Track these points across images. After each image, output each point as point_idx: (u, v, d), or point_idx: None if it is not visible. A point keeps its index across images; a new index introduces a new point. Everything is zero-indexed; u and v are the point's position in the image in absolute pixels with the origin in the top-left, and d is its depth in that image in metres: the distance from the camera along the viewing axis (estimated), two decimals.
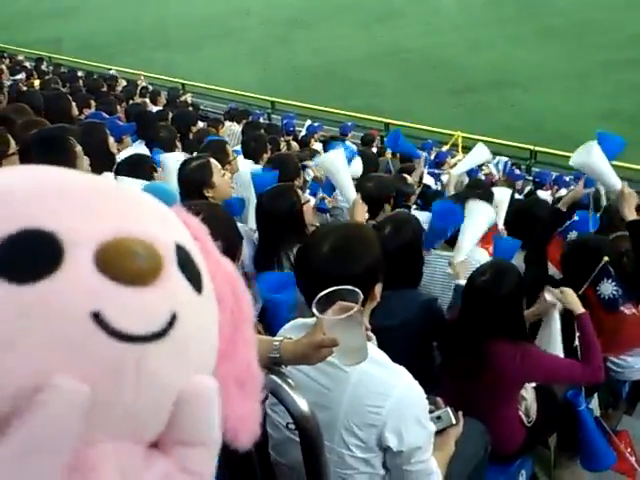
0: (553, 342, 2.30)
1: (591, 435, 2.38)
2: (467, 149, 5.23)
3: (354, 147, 6.75)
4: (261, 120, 10.30)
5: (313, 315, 1.21)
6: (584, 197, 3.77)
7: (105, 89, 9.63)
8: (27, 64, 13.67)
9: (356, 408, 1.45)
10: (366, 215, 3.00)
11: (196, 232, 0.52)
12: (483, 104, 14.19)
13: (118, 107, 6.69)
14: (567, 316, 2.34)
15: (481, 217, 2.64)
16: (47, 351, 0.37)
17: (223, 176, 2.89)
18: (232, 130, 7.75)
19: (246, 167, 3.90)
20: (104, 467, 0.39)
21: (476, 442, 2.03)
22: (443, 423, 1.83)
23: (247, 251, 2.54)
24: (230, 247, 1.92)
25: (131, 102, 8.10)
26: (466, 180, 5.71)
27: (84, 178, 0.46)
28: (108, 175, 3.01)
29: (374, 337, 1.38)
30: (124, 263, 0.40)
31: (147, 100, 8.96)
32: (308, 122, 9.99)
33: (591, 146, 2.72)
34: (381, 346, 1.58)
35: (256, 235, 2.77)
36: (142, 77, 12.43)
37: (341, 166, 2.95)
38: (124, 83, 11.34)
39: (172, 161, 3.09)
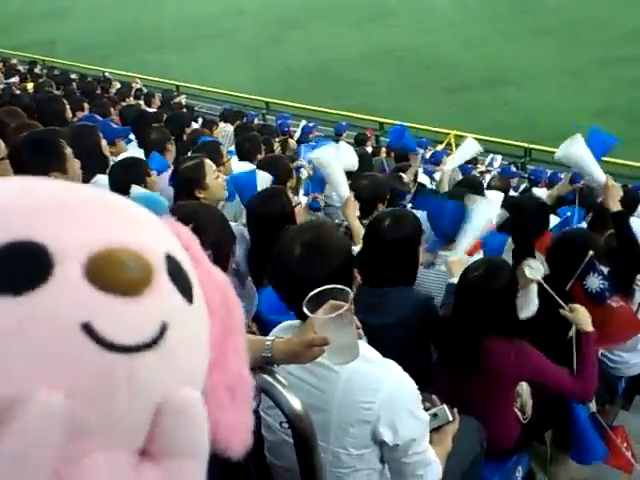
0: (527, 305, 2.32)
1: (582, 427, 2.39)
2: None
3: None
4: (256, 121, 10.30)
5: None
6: (570, 193, 3.79)
7: (99, 91, 9.62)
8: (20, 67, 13.63)
9: (348, 406, 1.45)
10: (358, 213, 3.00)
11: (187, 242, 0.52)
12: (477, 102, 14.22)
13: (112, 109, 6.68)
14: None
15: (483, 215, 2.62)
16: (35, 362, 0.37)
17: (217, 178, 2.87)
18: (226, 131, 7.76)
19: (242, 169, 3.88)
20: (96, 477, 0.39)
21: (471, 439, 2.03)
22: (440, 420, 1.85)
23: (241, 250, 2.54)
24: (223, 246, 1.92)
25: (124, 104, 8.08)
26: (459, 177, 5.71)
27: (74, 189, 0.46)
28: (101, 178, 3.01)
29: (364, 336, 1.38)
30: (114, 274, 0.40)
31: (141, 102, 8.95)
32: (303, 122, 9.99)
33: (575, 139, 2.74)
34: (377, 343, 1.58)
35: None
36: (138, 81, 12.42)
37: (333, 161, 2.93)
38: (118, 85, 11.33)
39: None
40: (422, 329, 2.35)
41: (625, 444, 2.72)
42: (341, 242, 1.59)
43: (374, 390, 1.45)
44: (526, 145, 11.16)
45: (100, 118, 5.20)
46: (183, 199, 2.51)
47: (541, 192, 7.57)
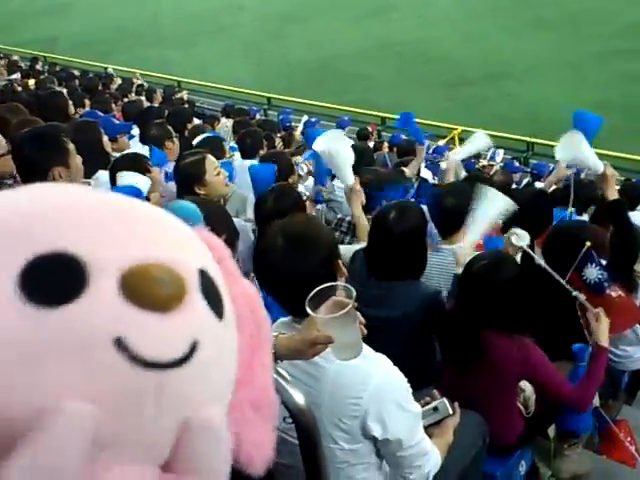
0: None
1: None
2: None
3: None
4: (257, 116, 10.30)
5: None
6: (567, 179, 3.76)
7: (100, 88, 9.61)
8: (22, 64, 13.63)
9: (337, 401, 1.46)
10: (363, 200, 2.97)
11: (220, 254, 0.52)
12: (478, 96, 14.18)
13: (113, 105, 6.68)
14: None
15: (496, 206, 2.58)
16: (67, 374, 0.37)
17: (218, 174, 2.86)
18: (227, 127, 7.75)
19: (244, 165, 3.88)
20: None
21: (474, 433, 2.04)
22: (440, 414, 1.86)
23: (244, 247, 2.53)
24: (226, 242, 1.92)
25: (126, 100, 8.08)
26: (463, 172, 5.68)
27: (109, 199, 0.46)
28: (103, 174, 3.01)
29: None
30: (148, 289, 0.40)
31: (143, 98, 8.94)
32: (305, 117, 9.97)
33: (570, 136, 2.73)
34: (382, 337, 1.59)
35: (251, 226, 2.77)
36: (138, 75, 12.41)
37: (341, 147, 2.90)
38: (119, 81, 11.32)
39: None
40: (428, 323, 2.35)
41: (629, 438, 2.72)
42: (325, 235, 1.58)
43: (362, 385, 1.46)
44: (528, 139, 11.14)
45: (101, 114, 5.19)
46: (184, 194, 2.51)
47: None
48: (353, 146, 3.05)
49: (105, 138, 3.28)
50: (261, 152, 4.30)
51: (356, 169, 3.22)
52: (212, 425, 0.44)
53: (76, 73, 12.51)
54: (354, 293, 1.18)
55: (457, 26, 18.19)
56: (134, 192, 2.35)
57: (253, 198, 2.92)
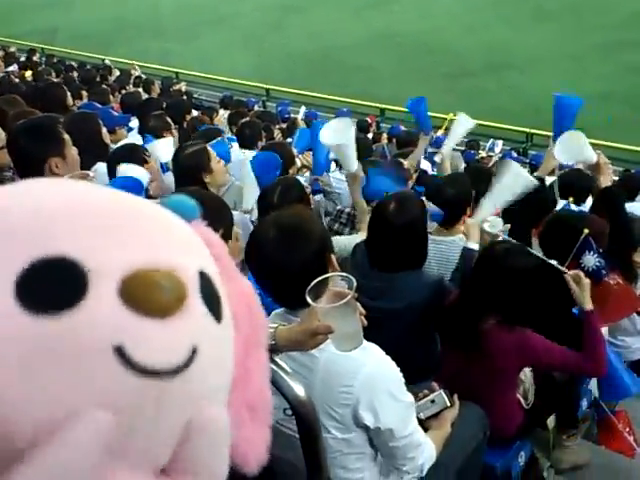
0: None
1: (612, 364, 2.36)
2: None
3: None
4: (256, 107, 10.27)
5: None
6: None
7: (98, 79, 9.57)
8: (20, 56, 13.58)
9: (329, 390, 1.47)
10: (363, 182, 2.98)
11: (218, 251, 0.51)
12: (479, 88, 14.12)
13: (111, 97, 6.65)
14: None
15: (517, 182, 2.56)
16: (69, 384, 0.37)
17: (219, 162, 2.91)
18: (226, 118, 7.72)
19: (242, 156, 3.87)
20: None
21: (474, 425, 2.04)
22: (438, 406, 1.88)
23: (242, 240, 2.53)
24: (224, 234, 1.92)
25: (124, 92, 8.05)
26: (462, 165, 5.67)
27: (109, 199, 0.45)
28: (101, 166, 3.00)
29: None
30: (149, 295, 0.40)
31: (140, 90, 8.91)
32: (303, 109, 9.93)
33: (571, 137, 2.74)
34: (385, 329, 1.59)
35: (251, 217, 2.77)
36: (136, 67, 12.35)
37: (350, 135, 2.88)
38: (117, 73, 11.28)
39: (160, 148, 3.13)
40: (432, 312, 2.33)
41: (627, 429, 2.73)
42: (317, 229, 1.58)
43: (353, 373, 1.46)
44: (528, 130, 11.11)
45: (99, 106, 5.17)
46: (189, 185, 2.52)
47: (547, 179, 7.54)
48: None
49: (104, 130, 3.27)
50: (260, 143, 4.29)
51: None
52: (213, 425, 0.44)
53: (74, 65, 12.47)
54: (354, 283, 1.18)
55: (458, 17, 18.11)
56: (134, 184, 2.34)
57: (256, 189, 2.91)
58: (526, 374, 2.32)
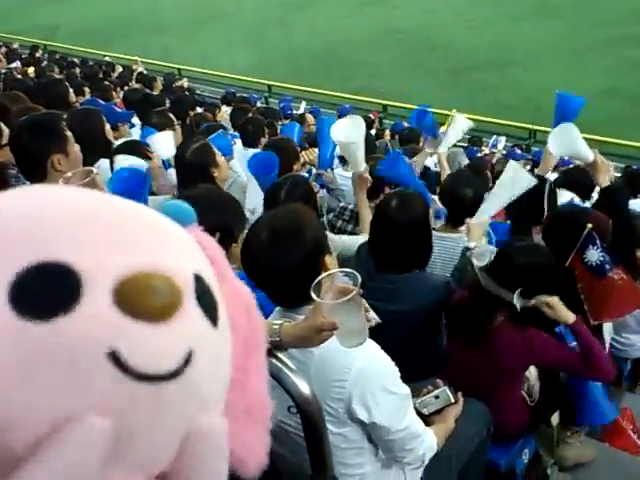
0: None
1: (590, 388, 2.35)
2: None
3: None
4: (258, 104, 10.25)
5: None
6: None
7: (101, 76, 9.57)
8: (22, 52, 13.57)
9: (322, 384, 1.46)
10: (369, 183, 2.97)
11: (213, 254, 0.51)
12: (482, 84, 14.09)
13: (114, 93, 6.65)
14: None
15: (517, 183, 2.52)
16: (64, 390, 0.36)
17: (222, 156, 2.91)
18: (229, 115, 7.71)
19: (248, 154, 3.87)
20: None
21: (478, 422, 2.04)
22: (441, 402, 1.89)
23: None
24: (233, 230, 1.93)
25: (127, 88, 8.04)
26: (465, 161, 5.65)
27: (103, 203, 0.45)
28: (105, 162, 3.00)
29: (376, 318, 1.37)
30: (144, 299, 0.39)
31: (143, 86, 8.90)
32: (303, 104, 9.93)
33: (563, 130, 2.72)
34: (391, 332, 1.58)
35: (254, 217, 2.76)
36: (139, 62, 12.34)
37: (361, 135, 2.87)
38: (120, 69, 11.27)
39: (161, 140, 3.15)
40: (438, 313, 2.34)
41: (632, 426, 2.73)
42: (312, 230, 1.56)
43: (346, 368, 1.46)
44: (531, 127, 11.08)
45: (102, 102, 5.17)
46: (197, 181, 2.53)
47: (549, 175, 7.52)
48: None
49: (107, 126, 3.26)
50: (262, 140, 4.28)
51: None
52: (212, 431, 0.43)
53: (76, 61, 12.46)
54: (359, 279, 1.18)
55: (461, 13, 18.08)
56: (135, 173, 2.33)
57: (257, 189, 2.91)
58: (531, 371, 2.32)
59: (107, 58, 14.21)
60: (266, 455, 0.52)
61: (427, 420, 1.86)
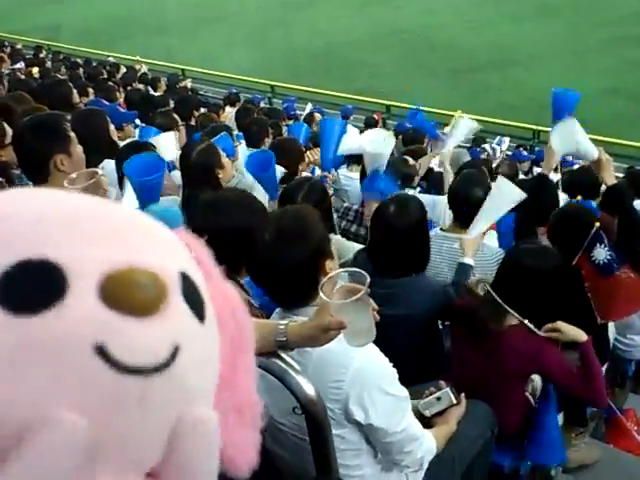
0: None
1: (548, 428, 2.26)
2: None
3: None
4: (262, 104, 10.26)
5: None
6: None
7: (106, 76, 9.58)
8: (26, 53, 13.60)
9: (320, 385, 1.46)
10: None
11: (200, 256, 0.52)
12: (484, 84, 14.07)
13: (118, 94, 6.66)
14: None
15: (506, 198, 2.54)
16: (49, 384, 0.37)
17: (226, 157, 2.93)
18: (233, 115, 7.71)
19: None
20: None
21: (482, 424, 2.04)
22: (443, 403, 1.89)
23: None
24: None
25: (129, 88, 8.05)
26: (467, 159, 5.64)
27: (88, 203, 0.45)
28: (109, 163, 3.00)
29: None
30: (128, 294, 0.40)
31: (148, 86, 8.92)
32: (309, 105, 9.92)
33: (564, 125, 2.71)
34: (391, 336, 1.58)
35: None
36: (142, 65, 12.36)
37: (389, 149, 2.94)
38: (124, 70, 11.29)
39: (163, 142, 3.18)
40: (437, 318, 2.36)
41: (636, 427, 2.73)
42: (314, 233, 1.57)
43: (343, 368, 1.47)
44: (534, 127, 11.06)
45: (107, 103, 5.17)
46: (202, 183, 2.54)
47: (552, 175, 7.49)
48: None
49: (111, 127, 3.27)
50: (267, 140, 4.28)
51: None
52: (205, 427, 0.43)
53: (79, 62, 12.48)
54: (368, 279, 1.18)
55: (462, 13, 18.06)
56: (155, 162, 2.33)
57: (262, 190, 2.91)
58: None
59: (111, 59, 14.22)
60: (257, 454, 0.52)
61: (429, 422, 1.86)
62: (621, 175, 5.54)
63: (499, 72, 14.53)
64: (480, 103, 12.12)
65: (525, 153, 8.94)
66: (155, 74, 11.02)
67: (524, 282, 2.09)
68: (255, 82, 14.52)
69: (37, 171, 2.26)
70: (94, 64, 12.14)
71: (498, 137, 9.44)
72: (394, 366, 1.54)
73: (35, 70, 9.53)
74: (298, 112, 9.61)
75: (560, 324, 2.10)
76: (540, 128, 10.92)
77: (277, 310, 1.64)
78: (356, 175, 3.91)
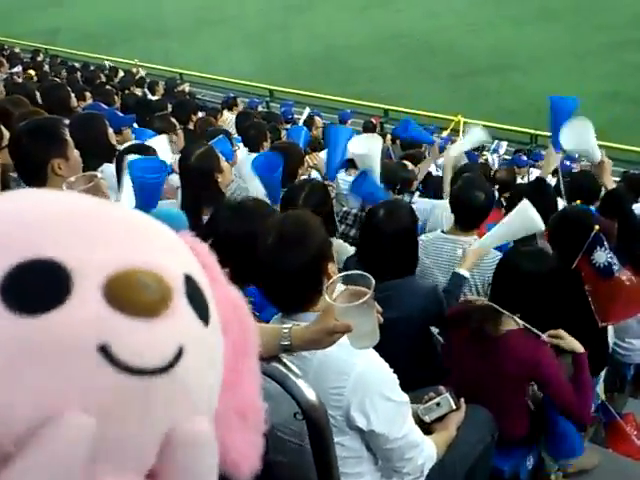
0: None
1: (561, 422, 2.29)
2: None
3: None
4: (260, 108, 10.27)
5: None
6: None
7: (104, 80, 9.58)
8: (23, 57, 13.59)
9: (321, 392, 1.46)
10: None
11: (204, 259, 0.52)
12: (484, 88, 14.10)
13: (115, 98, 6.65)
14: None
15: (526, 225, 2.49)
16: (53, 384, 0.37)
17: (225, 161, 2.92)
18: (231, 119, 7.71)
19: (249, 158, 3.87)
20: None
21: (482, 428, 2.03)
22: (443, 408, 1.88)
23: None
24: None
25: (127, 92, 8.05)
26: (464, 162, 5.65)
27: (93, 204, 0.45)
28: (108, 166, 3.00)
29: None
30: (133, 295, 0.40)
31: (146, 90, 8.92)
32: (307, 110, 9.93)
33: (577, 124, 2.71)
34: (385, 340, 1.58)
35: None
36: (140, 69, 12.35)
37: (379, 150, 2.96)
38: (122, 74, 11.29)
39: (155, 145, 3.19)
40: (429, 320, 2.36)
41: (635, 432, 2.72)
42: (316, 237, 1.57)
43: (345, 374, 1.47)
44: (532, 131, 11.08)
45: (105, 106, 5.17)
46: (202, 186, 2.53)
47: (549, 179, 7.52)
48: None
49: (110, 131, 3.26)
50: (265, 144, 4.28)
51: None
52: (199, 435, 0.43)
53: (77, 66, 12.48)
54: (373, 282, 1.18)
55: (463, 16, 18.11)
56: (154, 163, 2.32)
57: (262, 192, 2.91)
58: None
59: (107, 63, 14.21)
60: (260, 459, 0.52)
61: (429, 427, 1.85)
62: (617, 179, 5.55)
63: (499, 76, 14.58)
64: (479, 107, 12.15)
65: (524, 158, 8.95)
66: (153, 78, 11.03)
67: (521, 285, 2.09)
68: (253, 86, 14.56)
69: (34, 175, 2.25)
70: (92, 68, 12.13)
71: (496, 141, 9.46)
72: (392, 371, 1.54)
73: (33, 74, 9.53)
74: (296, 116, 9.62)
75: (560, 331, 2.11)
76: (538, 132, 10.96)
77: (275, 317, 1.64)
78: None
